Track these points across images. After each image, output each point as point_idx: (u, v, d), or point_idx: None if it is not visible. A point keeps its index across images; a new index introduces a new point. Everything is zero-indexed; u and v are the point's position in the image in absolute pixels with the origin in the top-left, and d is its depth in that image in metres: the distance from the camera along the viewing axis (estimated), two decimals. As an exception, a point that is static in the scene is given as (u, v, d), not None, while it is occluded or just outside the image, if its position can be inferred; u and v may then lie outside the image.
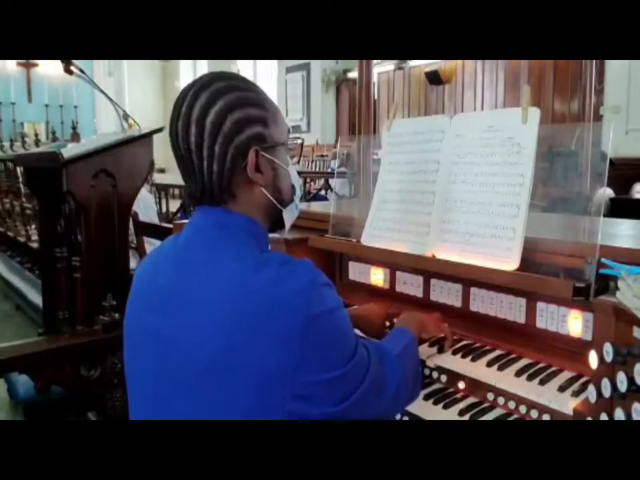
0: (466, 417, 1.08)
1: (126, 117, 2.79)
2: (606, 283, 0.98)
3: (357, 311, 1.38)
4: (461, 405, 1.12)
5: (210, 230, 0.92)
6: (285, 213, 1.01)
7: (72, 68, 2.79)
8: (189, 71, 14.04)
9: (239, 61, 11.65)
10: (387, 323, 1.34)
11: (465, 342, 1.27)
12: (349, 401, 0.86)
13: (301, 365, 0.80)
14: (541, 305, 1.18)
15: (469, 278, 1.26)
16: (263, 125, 0.92)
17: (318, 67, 10.91)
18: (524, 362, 1.15)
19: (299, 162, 1.04)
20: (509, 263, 1.10)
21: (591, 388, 0.88)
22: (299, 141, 1.10)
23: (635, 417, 0.78)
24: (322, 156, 9.81)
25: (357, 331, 1.35)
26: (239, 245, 0.89)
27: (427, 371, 1.23)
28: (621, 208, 3.76)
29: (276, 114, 0.96)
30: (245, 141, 0.90)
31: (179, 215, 6.28)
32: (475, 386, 1.14)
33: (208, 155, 0.89)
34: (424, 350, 1.24)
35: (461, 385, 1.17)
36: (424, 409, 1.12)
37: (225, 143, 0.89)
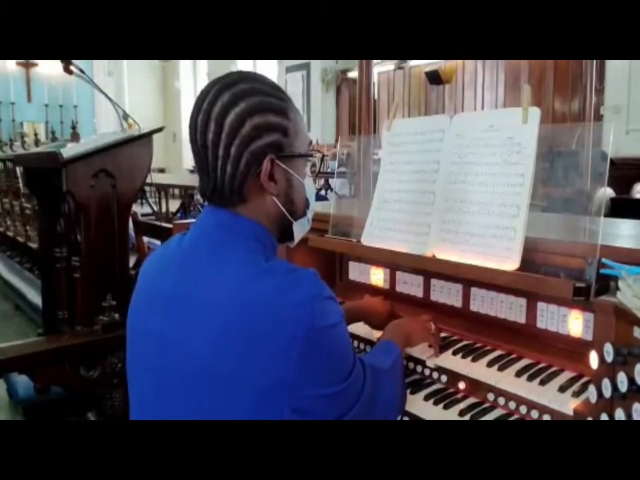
0: (466, 417, 1.08)
1: (126, 116, 2.79)
2: (606, 283, 0.98)
3: (363, 303, 1.37)
4: (462, 405, 1.11)
5: (215, 231, 0.91)
6: (295, 226, 0.99)
7: (72, 68, 2.78)
8: (189, 71, 14.04)
9: (239, 61, 11.65)
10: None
11: (465, 342, 1.27)
12: (344, 418, 0.86)
13: (300, 377, 0.80)
14: (541, 305, 1.18)
15: (469, 278, 1.26)
16: (283, 133, 0.90)
17: (318, 67, 10.91)
18: (524, 362, 1.15)
19: (315, 175, 1.03)
20: (510, 262, 1.10)
21: (592, 388, 0.88)
22: (319, 155, 1.08)
23: (636, 417, 0.78)
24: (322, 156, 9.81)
25: (361, 324, 1.36)
26: (244, 251, 0.88)
27: (427, 371, 1.23)
28: (621, 208, 3.76)
29: (298, 124, 0.94)
30: (262, 148, 0.88)
31: (178, 215, 6.29)
32: (476, 386, 1.14)
33: (223, 155, 0.88)
34: (423, 349, 1.24)
35: (462, 385, 1.17)
36: (424, 409, 1.12)
37: (241, 146, 0.87)
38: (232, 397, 0.80)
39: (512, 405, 1.06)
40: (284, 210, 0.94)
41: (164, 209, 7.38)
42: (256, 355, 0.79)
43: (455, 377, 1.17)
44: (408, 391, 1.17)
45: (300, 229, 1.01)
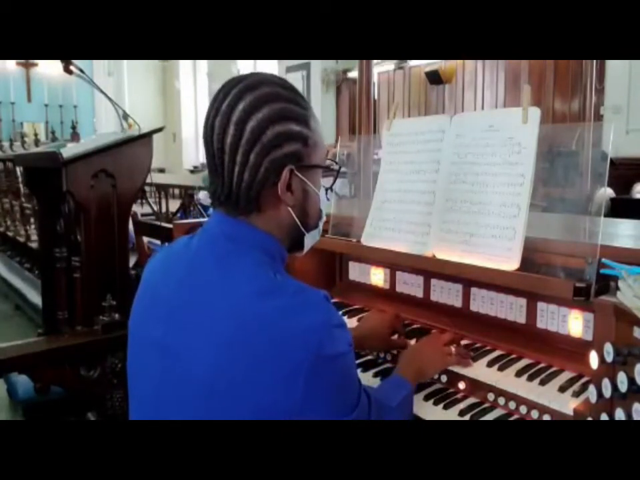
0: (466, 417, 1.08)
1: (125, 116, 2.78)
2: (606, 283, 0.98)
3: (360, 329, 1.32)
4: (462, 406, 1.11)
5: (223, 241, 0.87)
6: (306, 238, 0.97)
7: (72, 68, 2.77)
8: (189, 70, 14.03)
9: (239, 61, 11.64)
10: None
11: (465, 342, 1.27)
12: None
13: (304, 405, 0.77)
14: (541, 305, 1.18)
15: (469, 278, 1.26)
16: (303, 143, 0.88)
17: (318, 67, 10.90)
18: (524, 362, 1.15)
19: (331, 189, 0.98)
20: (510, 262, 1.10)
21: (592, 388, 0.88)
22: (336, 167, 1.02)
23: (636, 417, 0.78)
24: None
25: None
26: (251, 263, 0.84)
27: (427, 371, 1.23)
28: (621, 208, 3.77)
29: (317, 134, 0.91)
30: (282, 157, 0.85)
31: (178, 215, 6.28)
32: (476, 386, 1.14)
33: (241, 161, 0.84)
34: None
35: (462, 385, 1.17)
36: (424, 409, 1.12)
37: (261, 154, 0.84)
38: (232, 416, 0.78)
39: (512, 404, 1.06)
40: (298, 221, 0.91)
41: (164, 209, 7.38)
42: (259, 376, 0.77)
43: (454, 376, 1.17)
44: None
45: (310, 240, 0.98)
